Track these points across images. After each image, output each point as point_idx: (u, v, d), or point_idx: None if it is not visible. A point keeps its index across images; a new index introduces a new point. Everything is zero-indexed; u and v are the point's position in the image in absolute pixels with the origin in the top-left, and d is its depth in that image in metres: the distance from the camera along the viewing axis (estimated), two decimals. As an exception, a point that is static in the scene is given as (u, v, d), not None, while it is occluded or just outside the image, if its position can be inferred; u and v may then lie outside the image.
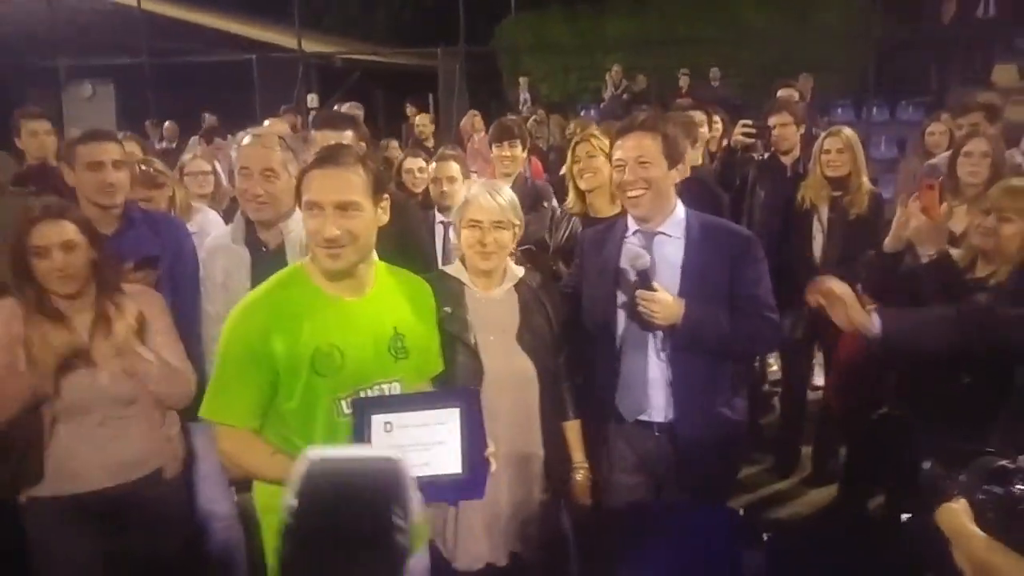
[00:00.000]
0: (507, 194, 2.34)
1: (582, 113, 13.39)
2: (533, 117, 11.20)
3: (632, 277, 2.32)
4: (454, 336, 2.28)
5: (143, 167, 3.54)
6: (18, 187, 3.54)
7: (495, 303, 2.36)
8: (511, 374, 2.31)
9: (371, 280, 1.97)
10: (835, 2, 13.24)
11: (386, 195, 1.92)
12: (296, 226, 2.52)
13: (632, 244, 2.42)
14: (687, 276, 2.36)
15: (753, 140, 3.99)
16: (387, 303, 1.99)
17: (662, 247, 2.38)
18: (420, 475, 1.70)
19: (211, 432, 2.76)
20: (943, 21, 10.82)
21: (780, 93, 5.17)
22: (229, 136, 7.73)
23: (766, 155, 4.22)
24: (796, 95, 5.21)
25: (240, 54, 13.16)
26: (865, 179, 3.80)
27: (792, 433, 4.25)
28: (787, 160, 4.10)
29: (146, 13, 12.90)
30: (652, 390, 2.39)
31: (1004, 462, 1.15)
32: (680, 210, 2.44)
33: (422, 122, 8.03)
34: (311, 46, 13.66)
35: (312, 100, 13.11)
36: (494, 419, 2.21)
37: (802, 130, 4.19)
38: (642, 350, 2.39)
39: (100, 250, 2.32)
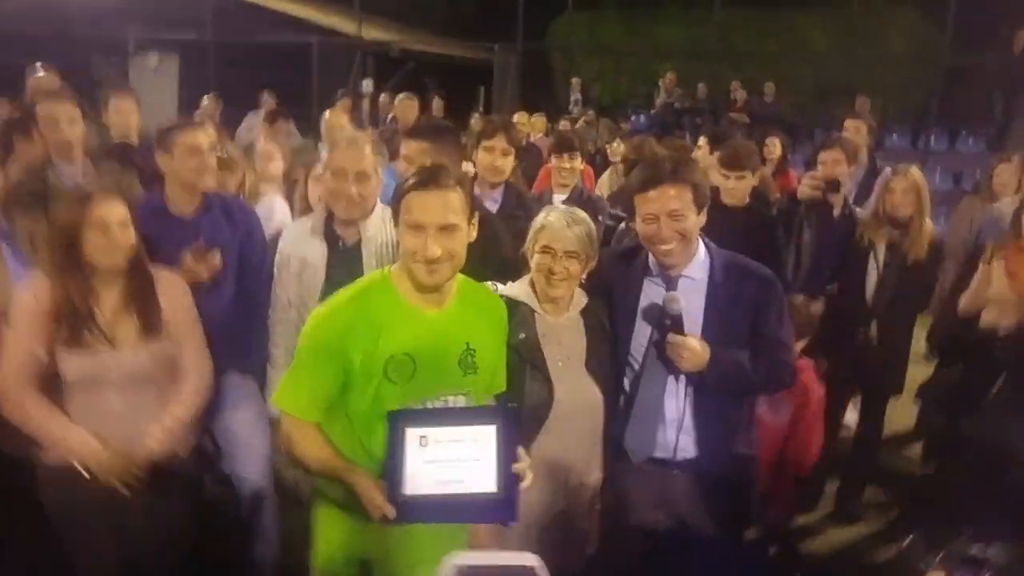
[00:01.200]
0: (584, 225, 2.34)
1: (632, 119, 13.42)
2: (583, 118, 11.29)
3: (664, 320, 2.30)
4: (525, 361, 2.28)
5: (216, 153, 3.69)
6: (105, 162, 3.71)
7: (563, 329, 2.37)
8: (580, 400, 2.33)
9: (451, 293, 2.01)
10: (903, 26, 13.04)
11: (476, 212, 2.00)
12: (372, 226, 2.63)
13: (656, 285, 2.41)
14: (710, 318, 2.35)
15: (821, 194, 3.75)
16: (463, 318, 2.03)
17: (684, 289, 2.34)
18: (454, 492, 1.75)
19: (251, 408, 2.97)
20: (1015, 51, 10.33)
21: (847, 124, 5.00)
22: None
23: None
24: (864, 127, 5.00)
25: (301, 37, 13.41)
26: (928, 221, 3.67)
27: (817, 467, 4.08)
28: (835, 199, 3.91)
29: (215, -9, 13.26)
30: (667, 429, 2.38)
31: (976, 550, 1.30)
32: (701, 250, 2.40)
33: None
34: (370, 33, 13.88)
35: (367, 86, 13.32)
36: (561, 445, 2.27)
37: (853, 169, 4.05)
38: (659, 390, 2.38)
39: (139, 233, 2.40)
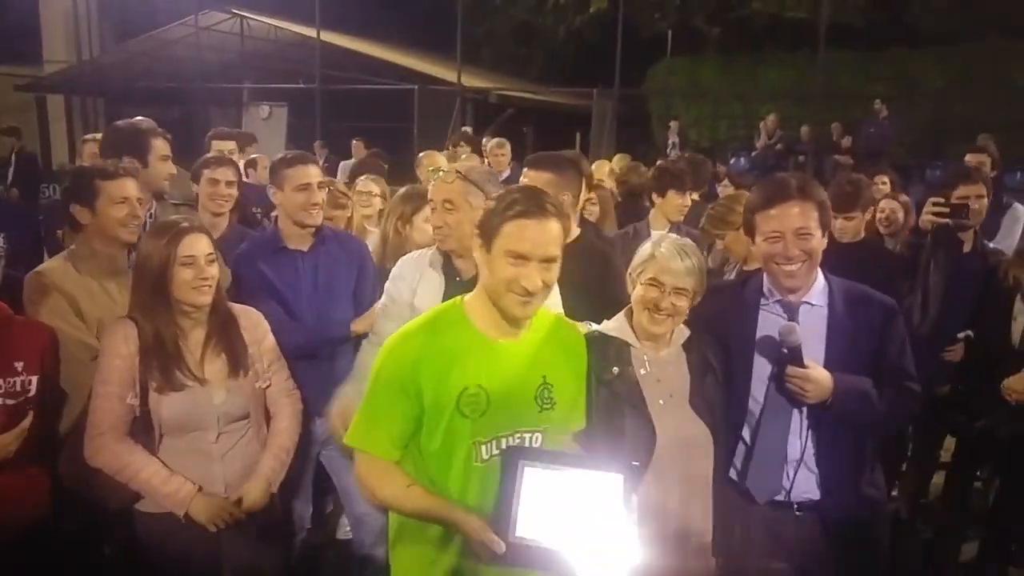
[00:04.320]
0: (697, 257, 2.19)
1: (732, 160, 13.17)
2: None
3: (783, 352, 2.17)
4: (622, 399, 2.13)
5: (328, 188, 3.76)
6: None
7: (664, 364, 2.21)
8: (684, 441, 2.15)
9: (527, 323, 1.90)
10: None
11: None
12: None
13: (773, 314, 2.28)
14: (832, 347, 2.23)
15: (947, 221, 3.42)
16: (539, 349, 1.91)
17: (805, 317, 2.23)
18: (570, 539, 1.65)
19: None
20: None
21: (969, 157, 4.72)
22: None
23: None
24: (988, 161, 4.68)
25: (403, 84, 13.89)
26: None
27: (952, 526, 3.75)
28: (966, 235, 3.56)
29: (323, 43, 13.90)
30: (790, 468, 2.24)
31: None
32: (821, 277, 2.30)
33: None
34: (469, 81, 14.23)
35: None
36: (665, 490, 2.10)
37: (985, 203, 3.67)
38: (782, 425, 2.25)
39: (221, 270, 2.36)
